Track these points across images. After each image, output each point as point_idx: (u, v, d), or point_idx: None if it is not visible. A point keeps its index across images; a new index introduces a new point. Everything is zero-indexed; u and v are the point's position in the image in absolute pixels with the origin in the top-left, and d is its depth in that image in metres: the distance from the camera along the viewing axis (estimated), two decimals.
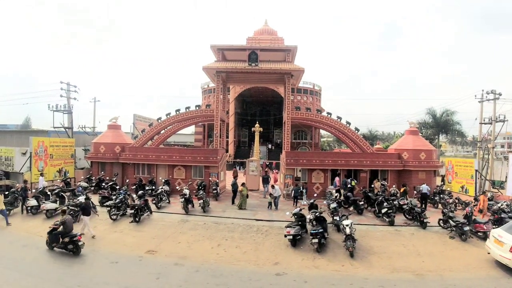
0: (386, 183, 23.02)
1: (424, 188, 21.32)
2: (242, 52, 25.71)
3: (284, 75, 26.42)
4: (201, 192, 20.22)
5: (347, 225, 13.71)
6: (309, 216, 15.38)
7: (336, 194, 20.26)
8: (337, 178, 23.11)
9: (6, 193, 19.91)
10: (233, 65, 25.67)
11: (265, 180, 24.26)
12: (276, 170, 31.32)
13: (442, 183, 27.26)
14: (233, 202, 21.32)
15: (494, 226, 15.12)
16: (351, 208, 19.51)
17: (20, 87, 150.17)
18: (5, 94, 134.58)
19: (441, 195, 22.26)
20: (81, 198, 18.06)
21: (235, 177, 24.68)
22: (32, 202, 18.26)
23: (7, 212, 18.08)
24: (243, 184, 20.76)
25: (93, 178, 25.23)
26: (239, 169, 39.15)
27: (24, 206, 18.32)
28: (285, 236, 13.93)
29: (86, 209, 15.10)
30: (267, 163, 36.38)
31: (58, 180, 24.85)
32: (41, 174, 23.09)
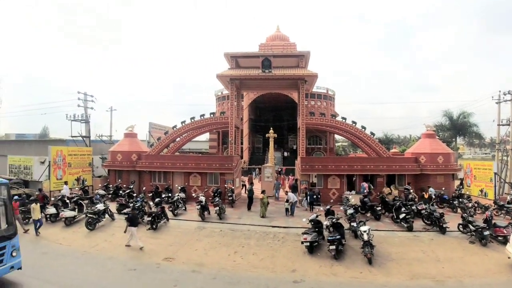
0: (409, 188, 22.59)
1: (432, 191, 21.43)
2: (255, 59, 25.81)
3: (298, 80, 26.40)
4: (217, 199, 20.26)
5: (364, 231, 13.57)
6: (325, 222, 15.27)
7: (352, 200, 19.99)
8: (365, 184, 22.71)
9: (26, 201, 20.38)
10: (247, 72, 25.76)
11: (294, 189, 23.85)
12: (292, 176, 31.19)
13: (461, 186, 26.76)
14: (249, 209, 21.30)
15: None
16: (369, 214, 19.31)
17: (32, 90, 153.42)
18: (23, 105, 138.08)
19: (460, 199, 21.86)
20: (99, 206, 18.35)
21: (251, 183, 24.65)
22: (51, 210, 18.61)
23: (27, 221, 18.50)
24: (263, 192, 20.66)
25: (111, 186, 25.58)
26: (255, 175, 39.10)
27: (43, 214, 18.65)
28: (302, 242, 13.86)
29: (134, 220, 14.98)
30: (279, 170, 36.26)
31: (76, 188, 25.28)
32: (65, 183, 23.65)
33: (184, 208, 21.01)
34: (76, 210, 18.90)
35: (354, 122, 26.75)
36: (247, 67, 26.69)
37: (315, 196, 21.33)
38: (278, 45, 28.56)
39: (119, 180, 26.15)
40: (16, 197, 17.99)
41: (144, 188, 24.80)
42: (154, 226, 16.81)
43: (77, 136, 32.58)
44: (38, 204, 17.10)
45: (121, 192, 23.62)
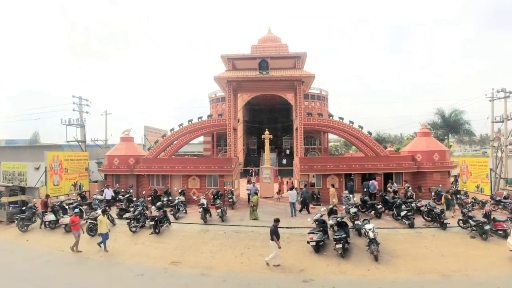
0: (409, 186, 22.97)
1: (395, 187, 22.29)
2: (252, 61, 25.86)
3: (295, 82, 26.53)
4: (218, 201, 20.19)
5: (369, 229, 13.71)
6: (330, 221, 15.38)
7: (354, 199, 20.11)
8: (375, 182, 22.64)
9: (23, 208, 20.06)
10: (245, 74, 25.78)
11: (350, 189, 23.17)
12: (291, 179, 31.17)
13: (456, 183, 27.21)
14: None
15: None
16: (372, 212, 19.38)
17: (29, 101, 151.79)
18: (16, 109, 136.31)
19: (458, 196, 22.20)
20: (99, 211, 18.19)
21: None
22: (50, 216, 18.36)
23: (25, 228, 18.26)
24: (256, 193, 20.62)
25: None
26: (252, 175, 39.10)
27: (42, 221, 18.46)
28: (308, 242, 13.92)
29: (276, 233, 12.94)
30: (251, 172, 36.30)
31: (74, 194, 24.98)
32: (107, 186, 24.27)
33: (185, 211, 20.94)
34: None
35: (351, 122, 26.92)
36: (243, 69, 26.73)
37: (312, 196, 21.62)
38: (270, 46, 28.54)
39: (117, 184, 25.97)
40: (76, 210, 16.96)
41: (143, 192, 24.63)
42: (157, 230, 16.70)
43: (73, 140, 32.29)
44: (106, 216, 15.91)
45: (120, 196, 23.44)
